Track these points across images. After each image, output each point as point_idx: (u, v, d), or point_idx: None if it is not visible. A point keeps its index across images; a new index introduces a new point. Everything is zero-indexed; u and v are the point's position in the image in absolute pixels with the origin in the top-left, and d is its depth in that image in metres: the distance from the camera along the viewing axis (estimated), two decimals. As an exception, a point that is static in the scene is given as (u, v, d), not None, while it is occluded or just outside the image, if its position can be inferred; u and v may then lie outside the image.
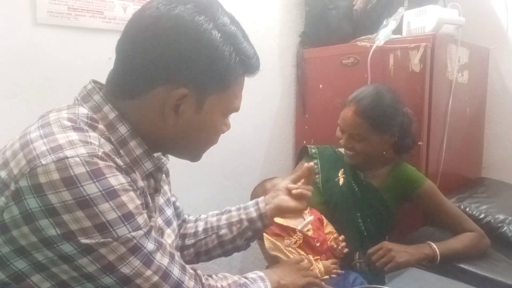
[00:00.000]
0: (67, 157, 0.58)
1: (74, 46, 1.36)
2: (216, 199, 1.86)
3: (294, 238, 1.26)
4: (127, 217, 0.62)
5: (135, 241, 0.63)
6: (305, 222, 1.29)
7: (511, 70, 1.99)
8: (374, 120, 1.31)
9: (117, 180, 0.62)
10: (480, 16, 1.98)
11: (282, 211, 1.04)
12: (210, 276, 0.82)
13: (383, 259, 1.22)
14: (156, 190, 0.81)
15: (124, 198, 0.62)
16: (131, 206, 0.63)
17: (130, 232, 0.62)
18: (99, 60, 1.40)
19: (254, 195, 1.41)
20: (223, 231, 1.03)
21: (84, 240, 0.58)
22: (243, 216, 1.03)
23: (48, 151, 0.59)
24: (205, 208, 1.81)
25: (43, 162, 0.58)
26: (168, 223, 0.89)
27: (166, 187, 0.93)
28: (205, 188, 1.82)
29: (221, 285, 0.80)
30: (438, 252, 1.26)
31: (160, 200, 0.87)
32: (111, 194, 0.60)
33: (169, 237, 0.88)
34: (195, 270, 0.77)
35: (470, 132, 1.94)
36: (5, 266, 0.61)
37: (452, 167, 1.75)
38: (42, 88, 1.30)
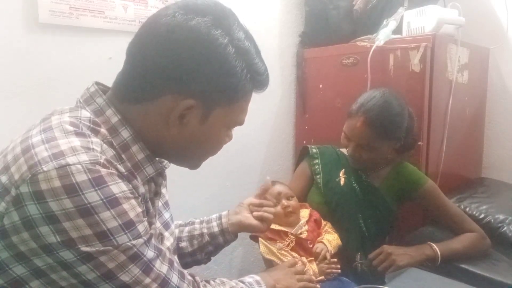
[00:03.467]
0: (68, 164, 0.58)
1: (75, 46, 1.36)
2: (216, 199, 1.86)
3: (287, 241, 1.26)
4: (128, 225, 0.62)
5: (135, 249, 0.63)
6: (298, 226, 1.30)
7: (511, 70, 1.99)
8: (384, 131, 1.29)
9: (118, 187, 0.62)
10: (480, 16, 1.98)
11: (244, 228, 1.05)
12: (208, 282, 0.82)
13: (384, 264, 1.23)
14: (156, 193, 0.81)
15: (125, 206, 0.62)
16: (132, 214, 0.63)
17: (130, 240, 0.62)
18: (100, 60, 1.40)
19: None
20: (183, 244, 1.03)
21: (84, 248, 0.58)
22: (205, 230, 1.04)
23: (50, 157, 0.59)
24: (206, 208, 1.82)
25: (45, 169, 0.57)
26: (166, 226, 0.89)
27: (163, 190, 0.92)
28: (206, 188, 1.82)
29: None
30: (439, 253, 1.26)
31: (158, 204, 0.87)
32: (112, 202, 0.60)
33: (168, 240, 0.88)
34: (193, 276, 0.77)
35: (470, 132, 1.94)
36: (4, 271, 0.60)
37: (452, 167, 1.75)
38: (42, 88, 1.30)
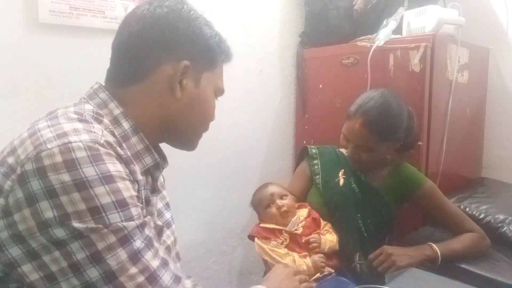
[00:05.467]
0: (70, 142, 0.61)
1: (75, 46, 1.36)
2: (216, 199, 1.86)
3: (281, 239, 1.27)
4: (121, 204, 0.63)
5: (126, 231, 0.62)
6: (291, 223, 1.30)
7: (511, 70, 1.99)
8: (382, 132, 1.29)
9: (115, 167, 0.64)
10: (480, 16, 1.98)
11: None
12: None
13: (384, 264, 1.22)
14: (154, 190, 0.82)
15: (120, 185, 0.63)
16: (126, 194, 0.64)
17: (122, 221, 0.62)
18: (100, 60, 1.39)
19: (254, 202, 1.42)
20: None
21: (76, 224, 0.59)
22: None
23: (54, 137, 0.62)
24: (207, 208, 1.82)
25: (49, 146, 0.61)
26: (167, 225, 0.90)
27: (164, 192, 0.95)
28: (206, 188, 1.82)
29: None
30: (439, 253, 1.26)
31: (159, 204, 0.89)
32: (107, 178, 0.62)
33: (169, 238, 0.89)
34: (195, 286, 0.73)
35: (470, 132, 1.94)
36: (1, 251, 0.61)
37: (452, 167, 1.75)
38: (42, 88, 1.30)
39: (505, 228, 1.49)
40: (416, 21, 1.65)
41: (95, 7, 1.36)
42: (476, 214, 1.55)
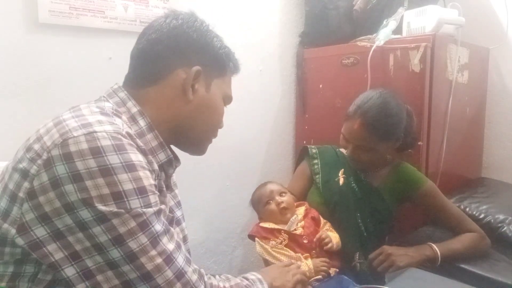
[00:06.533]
0: (95, 131, 0.66)
1: (75, 46, 1.36)
2: (217, 199, 1.86)
3: (279, 239, 1.27)
4: (141, 191, 0.67)
5: (145, 217, 0.67)
6: (290, 222, 1.30)
7: (511, 70, 1.99)
8: (382, 132, 1.29)
9: (136, 157, 0.69)
10: (480, 16, 1.98)
11: None
12: (213, 275, 0.83)
13: (384, 264, 1.22)
14: (167, 186, 0.86)
15: (141, 173, 0.68)
16: (145, 182, 0.68)
17: (141, 207, 0.67)
18: (100, 60, 1.40)
19: (253, 200, 1.42)
20: None
21: (100, 207, 0.63)
22: None
23: (79, 126, 0.67)
24: (207, 208, 1.82)
25: (75, 134, 0.65)
26: (177, 222, 0.93)
27: (176, 191, 0.99)
28: (207, 188, 1.82)
29: (224, 286, 0.81)
30: (439, 254, 1.26)
31: (171, 202, 0.92)
32: (130, 167, 0.67)
33: (178, 236, 0.89)
34: (198, 268, 0.79)
35: (470, 132, 1.94)
36: (26, 233, 0.64)
37: (452, 167, 1.75)
38: (42, 88, 1.30)
39: (505, 228, 1.49)
40: (416, 21, 1.65)
41: (95, 7, 1.36)
42: (476, 214, 1.55)
